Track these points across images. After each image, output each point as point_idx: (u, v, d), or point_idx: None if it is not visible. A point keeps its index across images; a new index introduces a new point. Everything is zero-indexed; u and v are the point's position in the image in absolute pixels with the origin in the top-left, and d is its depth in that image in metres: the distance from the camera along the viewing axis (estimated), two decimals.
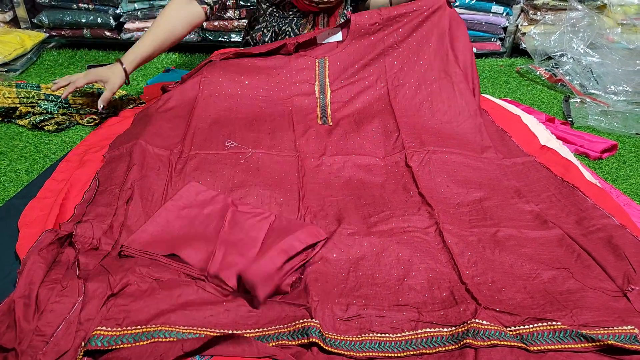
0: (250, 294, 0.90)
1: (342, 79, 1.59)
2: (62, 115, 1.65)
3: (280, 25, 1.68)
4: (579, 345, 0.82)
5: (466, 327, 0.84)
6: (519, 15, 2.45)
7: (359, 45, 1.59)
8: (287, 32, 1.68)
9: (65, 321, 0.82)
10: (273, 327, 0.85)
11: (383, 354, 0.83)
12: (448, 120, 1.51)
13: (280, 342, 0.82)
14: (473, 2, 2.36)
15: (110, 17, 2.29)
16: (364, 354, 0.82)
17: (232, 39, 2.44)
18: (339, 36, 1.62)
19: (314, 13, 1.65)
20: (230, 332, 0.83)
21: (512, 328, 0.85)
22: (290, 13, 1.66)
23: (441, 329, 0.86)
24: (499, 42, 2.49)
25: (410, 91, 1.56)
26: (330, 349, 0.82)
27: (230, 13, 2.39)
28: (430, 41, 1.59)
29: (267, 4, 1.67)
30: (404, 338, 0.85)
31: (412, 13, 1.57)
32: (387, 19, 1.56)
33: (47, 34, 2.29)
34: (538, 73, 2.20)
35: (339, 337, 0.84)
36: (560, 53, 2.18)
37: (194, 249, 0.99)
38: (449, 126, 1.50)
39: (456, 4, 2.30)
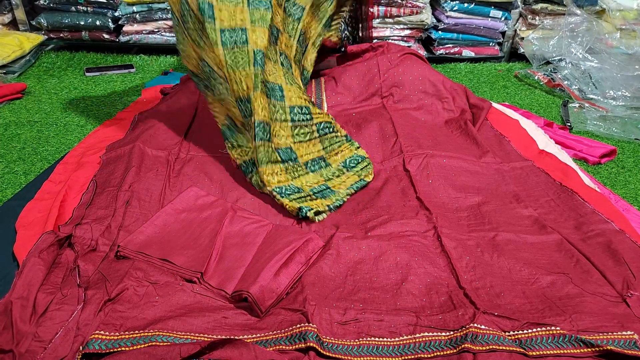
0: (247, 301, 0.90)
1: (337, 92, 1.61)
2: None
3: None
4: (578, 351, 0.81)
5: (464, 332, 0.83)
6: (518, 20, 2.46)
7: (351, 65, 1.68)
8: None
9: (64, 328, 0.82)
10: (270, 333, 0.85)
11: (380, 358, 0.82)
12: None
13: (277, 347, 0.82)
14: (472, 6, 2.36)
15: (109, 20, 2.29)
16: (362, 359, 0.82)
17: None
18: (334, 62, 1.72)
19: None
20: (228, 337, 0.82)
21: (511, 333, 0.85)
22: None
23: (439, 333, 0.85)
24: (497, 47, 2.49)
25: (408, 100, 1.60)
26: (327, 354, 0.81)
27: None
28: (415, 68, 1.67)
29: None
30: (402, 342, 0.84)
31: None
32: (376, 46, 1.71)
33: (46, 36, 2.29)
34: (536, 78, 2.20)
35: (336, 342, 0.84)
36: (559, 58, 2.18)
37: (185, 257, 0.99)
38: (446, 130, 1.50)
39: (451, 9, 2.31)
